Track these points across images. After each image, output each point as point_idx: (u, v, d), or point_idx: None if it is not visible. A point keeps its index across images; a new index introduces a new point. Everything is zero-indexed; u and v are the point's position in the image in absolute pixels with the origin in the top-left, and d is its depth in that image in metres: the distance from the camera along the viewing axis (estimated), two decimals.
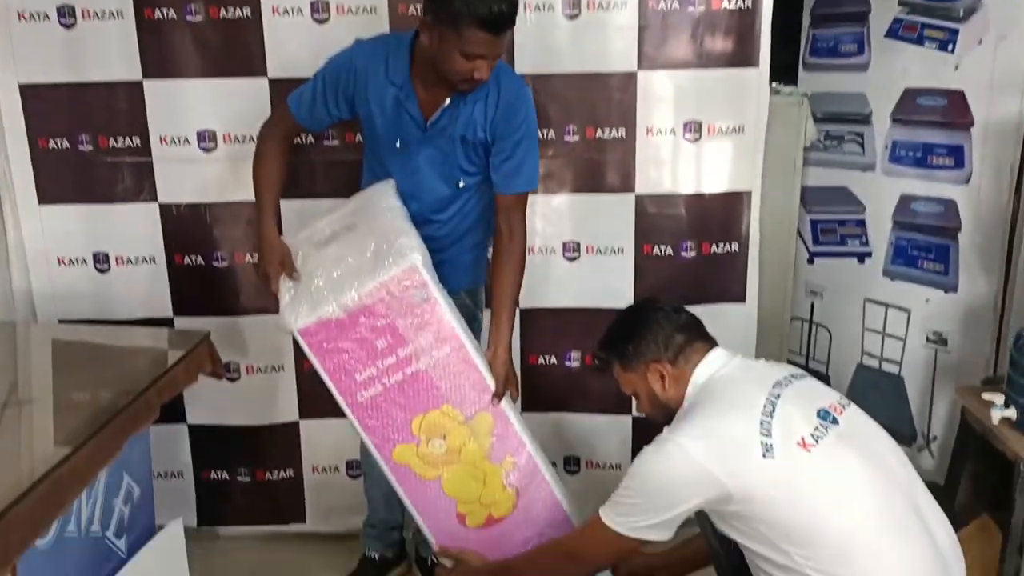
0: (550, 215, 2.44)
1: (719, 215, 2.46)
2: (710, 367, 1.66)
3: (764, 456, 1.48)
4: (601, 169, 2.43)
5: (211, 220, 2.44)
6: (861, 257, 3.04)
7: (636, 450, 2.61)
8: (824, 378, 3.06)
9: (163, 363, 1.88)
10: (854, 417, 1.61)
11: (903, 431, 2.85)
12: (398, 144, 2.01)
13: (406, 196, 2.03)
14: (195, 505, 2.62)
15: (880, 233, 2.97)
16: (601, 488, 2.59)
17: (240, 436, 2.57)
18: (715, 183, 2.44)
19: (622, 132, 2.39)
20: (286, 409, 2.57)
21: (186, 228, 2.44)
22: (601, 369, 1.82)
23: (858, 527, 1.47)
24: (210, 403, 2.52)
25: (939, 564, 1.51)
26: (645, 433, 2.58)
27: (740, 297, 2.51)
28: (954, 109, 2.63)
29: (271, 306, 2.44)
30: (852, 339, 3.08)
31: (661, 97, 2.38)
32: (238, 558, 2.58)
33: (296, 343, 2.45)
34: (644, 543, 1.62)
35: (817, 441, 1.51)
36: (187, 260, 2.46)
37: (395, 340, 1.84)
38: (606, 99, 2.38)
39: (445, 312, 1.85)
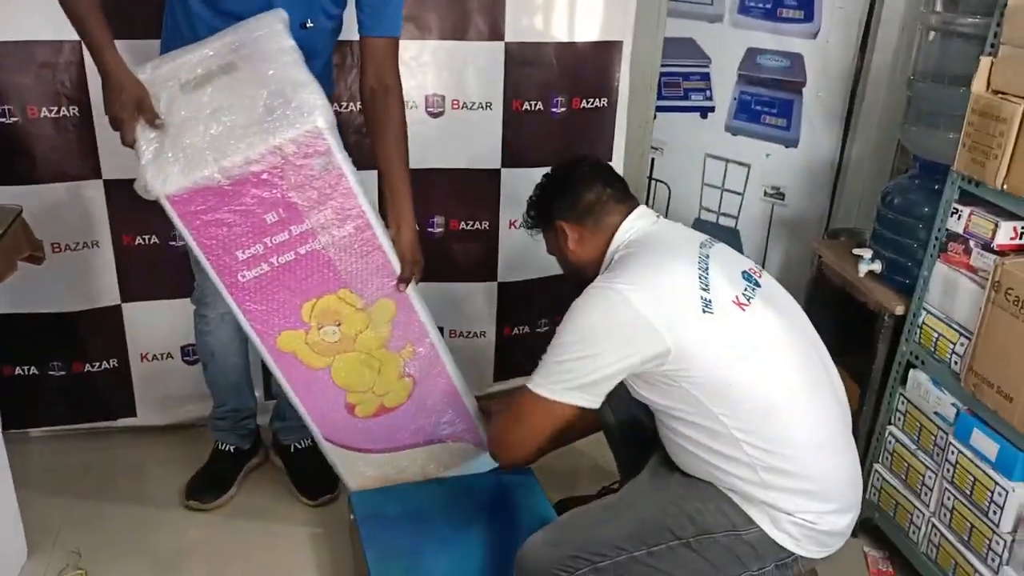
0: (411, 64, 2.18)
1: (591, 67, 2.31)
2: (637, 222, 1.58)
3: (704, 311, 1.43)
4: (468, 11, 2.19)
5: None
6: (704, 112, 3.03)
7: (501, 318, 2.54)
8: None
9: None
10: (769, 280, 1.61)
11: None
12: None
13: None
14: None
15: (724, 87, 2.96)
16: (466, 356, 2.50)
17: (49, 325, 2.21)
18: (588, 31, 2.28)
19: None
20: (104, 291, 2.23)
21: None
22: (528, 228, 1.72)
23: (784, 386, 1.48)
24: (7, 288, 2.09)
25: (842, 415, 1.57)
26: (510, 301, 2.50)
27: (607, 155, 2.40)
28: None
29: (81, 171, 2.08)
30: (691, 194, 3.12)
31: None
32: (60, 461, 2.27)
33: (116, 215, 2.12)
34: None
35: (749, 301, 1.49)
36: None
37: (289, 215, 1.57)
38: None
39: (352, 184, 1.59)
